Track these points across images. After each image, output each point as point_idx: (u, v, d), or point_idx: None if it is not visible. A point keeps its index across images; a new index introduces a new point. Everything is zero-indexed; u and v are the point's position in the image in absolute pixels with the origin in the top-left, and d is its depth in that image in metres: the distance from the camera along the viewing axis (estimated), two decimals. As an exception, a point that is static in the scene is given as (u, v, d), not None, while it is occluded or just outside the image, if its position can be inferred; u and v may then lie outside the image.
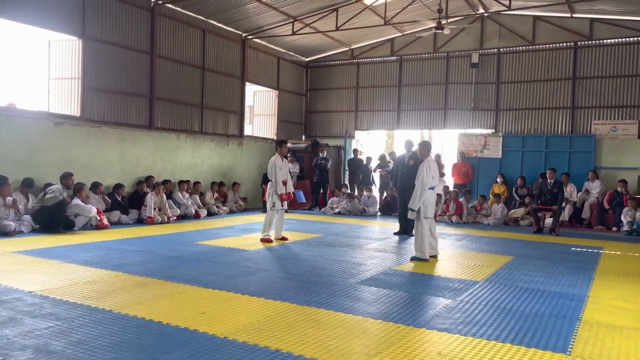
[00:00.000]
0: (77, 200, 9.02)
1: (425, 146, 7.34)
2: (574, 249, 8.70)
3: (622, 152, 12.85)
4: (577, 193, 12.44)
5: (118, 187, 10.40)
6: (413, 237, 7.41)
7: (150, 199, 10.34)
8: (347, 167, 15.81)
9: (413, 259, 6.97)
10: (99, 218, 9.24)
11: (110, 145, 10.76)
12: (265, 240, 8.26)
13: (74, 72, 10.31)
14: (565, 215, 11.97)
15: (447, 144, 15.83)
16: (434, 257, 7.16)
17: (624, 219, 11.20)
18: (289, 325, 3.97)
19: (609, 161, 12.97)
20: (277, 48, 15.93)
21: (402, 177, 9.56)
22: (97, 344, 3.43)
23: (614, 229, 11.60)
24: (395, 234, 9.67)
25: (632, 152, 12.72)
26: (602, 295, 5.38)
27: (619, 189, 11.87)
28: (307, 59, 17.34)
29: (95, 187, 9.93)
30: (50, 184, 8.94)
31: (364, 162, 15.06)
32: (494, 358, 3.44)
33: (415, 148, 9.16)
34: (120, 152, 10.98)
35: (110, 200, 10.05)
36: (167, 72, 12.23)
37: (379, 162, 14.61)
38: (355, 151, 15.52)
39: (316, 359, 3.31)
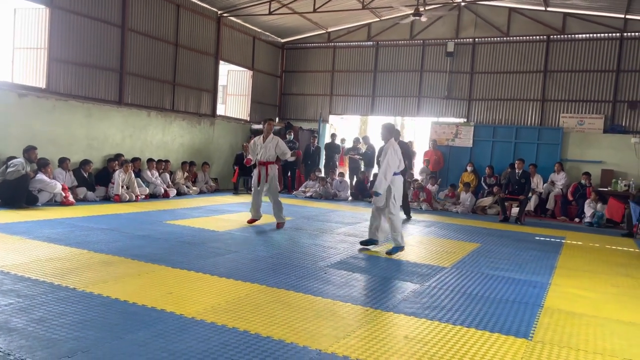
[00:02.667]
0: (41, 175, 8.75)
1: (388, 128, 6.76)
2: (538, 238, 8.93)
3: (587, 146, 13.20)
4: (543, 184, 12.76)
5: (84, 163, 10.13)
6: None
7: (118, 176, 10.11)
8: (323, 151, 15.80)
9: (392, 251, 6.49)
10: (64, 194, 8.99)
11: (77, 120, 10.44)
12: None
13: (40, 42, 9.92)
14: (531, 205, 12.26)
15: (419, 131, 15.94)
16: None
17: (587, 210, 11.57)
18: (258, 307, 3.96)
19: (575, 154, 13.32)
20: (253, 27, 15.67)
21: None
22: (59, 322, 3.35)
23: (577, 220, 11.96)
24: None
25: (597, 146, 13.09)
26: (563, 283, 5.55)
27: (582, 182, 12.22)
28: (283, 40, 17.12)
29: (62, 162, 9.65)
30: (12, 158, 8.63)
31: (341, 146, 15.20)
32: (459, 342, 3.51)
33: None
34: (87, 127, 10.67)
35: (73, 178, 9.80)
36: (138, 46, 11.89)
37: (350, 146, 14.69)
38: (333, 136, 15.49)
39: (284, 340, 3.31)
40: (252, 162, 8.20)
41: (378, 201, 6.57)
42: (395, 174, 6.49)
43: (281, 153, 8.15)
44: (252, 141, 8.31)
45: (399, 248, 6.57)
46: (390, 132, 6.74)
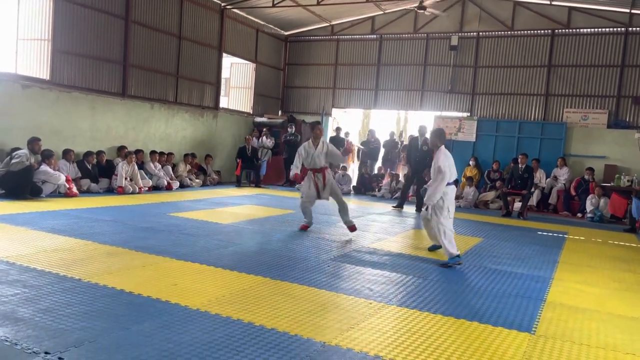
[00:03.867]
0: (45, 167, 8.77)
1: (438, 135, 6.16)
2: (540, 233, 8.94)
3: (591, 141, 13.17)
4: (546, 179, 12.74)
5: (88, 155, 10.14)
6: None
7: (122, 168, 10.13)
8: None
9: (447, 263, 5.76)
10: (67, 186, 9.02)
11: (80, 112, 10.45)
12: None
13: (44, 33, 9.91)
14: (534, 200, 12.26)
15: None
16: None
17: (589, 206, 11.56)
18: (262, 299, 3.98)
19: (578, 149, 13.29)
20: (256, 20, 15.62)
21: (416, 161, 10.62)
22: (66, 312, 3.37)
23: (579, 215, 11.96)
24: (393, 207, 10.81)
25: (601, 142, 13.06)
26: (566, 278, 5.56)
27: (585, 177, 12.21)
28: (286, 33, 17.07)
29: (66, 153, 9.67)
30: (17, 149, 8.65)
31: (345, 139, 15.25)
32: (462, 335, 3.53)
33: (428, 134, 9.91)
34: (91, 119, 10.68)
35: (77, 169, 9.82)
36: (142, 38, 11.88)
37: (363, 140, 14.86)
38: (338, 129, 15.48)
39: (288, 332, 3.33)
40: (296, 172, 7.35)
41: (427, 214, 6.10)
42: (448, 184, 5.86)
43: (334, 158, 7.53)
44: (302, 148, 7.41)
45: (453, 259, 5.75)
46: (440, 139, 6.11)
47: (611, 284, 5.44)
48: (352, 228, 7.27)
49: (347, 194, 13.53)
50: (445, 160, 5.82)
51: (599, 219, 11.23)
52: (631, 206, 10.18)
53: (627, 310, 4.48)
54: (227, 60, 15.62)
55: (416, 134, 11.04)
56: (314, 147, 7.26)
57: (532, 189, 11.61)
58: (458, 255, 5.76)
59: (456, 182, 6.42)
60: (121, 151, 10.82)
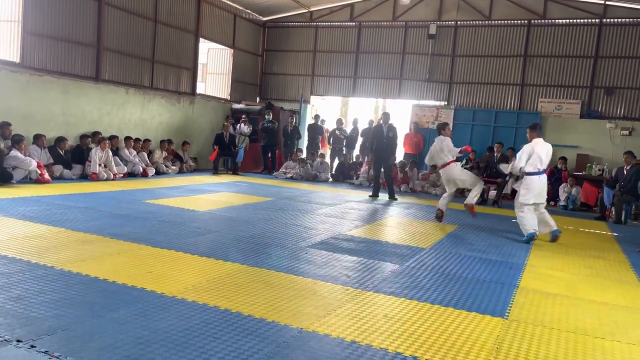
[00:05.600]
0: (15, 152, 8.54)
1: (536, 128, 7.09)
2: (514, 220, 9.06)
3: (564, 131, 13.43)
4: (521, 168, 12.94)
5: (60, 140, 9.92)
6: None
7: (95, 154, 9.93)
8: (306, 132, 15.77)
9: (527, 239, 6.86)
10: (39, 172, 8.81)
11: (52, 96, 10.18)
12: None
13: (14, 14, 9.59)
14: (508, 188, 12.43)
15: (400, 114, 16.00)
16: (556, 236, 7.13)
17: (561, 194, 11.81)
18: (239, 286, 3.97)
19: (552, 138, 13.43)
20: (233, 5, 15.39)
21: (383, 148, 10.61)
22: (38, 300, 3.31)
23: (552, 203, 12.20)
24: (370, 197, 10.76)
25: (574, 131, 13.32)
26: (538, 264, 5.69)
27: (559, 166, 12.45)
28: (264, 19, 16.88)
29: (37, 138, 9.43)
30: (-15, 134, 8.41)
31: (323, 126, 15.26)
32: (437, 321, 3.58)
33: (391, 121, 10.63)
34: (63, 103, 10.42)
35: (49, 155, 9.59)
36: (116, 21, 11.59)
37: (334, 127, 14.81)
38: (317, 117, 15.43)
39: (265, 318, 3.34)
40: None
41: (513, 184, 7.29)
42: (533, 173, 6.87)
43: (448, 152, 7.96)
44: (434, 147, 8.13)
45: (531, 236, 6.87)
46: (536, 131, 7.04)
47: (581, 270, 5.59)
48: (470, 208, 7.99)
49: (325, 181, 13.55)
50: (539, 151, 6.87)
51: (572, 206, 11.49)
52: (602, 195, 10.44)
53: (597, 295, 4.61)
54: (204, 46, 15.38)
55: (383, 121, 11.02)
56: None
57: (507, 178, 11.78)
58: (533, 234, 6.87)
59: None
60: (95, 137, 10.60)
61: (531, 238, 6.83)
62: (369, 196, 10.83)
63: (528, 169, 6.86)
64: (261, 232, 6.15)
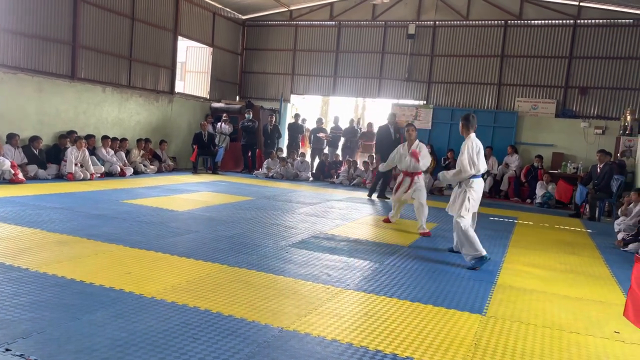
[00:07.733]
0: (-12, 152, 8.34)
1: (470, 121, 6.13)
2: (492, 218, 9.24)
3: (540, 130, 13.66)
4: (498, 166, 13.15)
5: (34, 139, 9.71)
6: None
7: (71, 153, 9.75)
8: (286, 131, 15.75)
9: (473, 267, 5.28)
10: (13, 172, 8.61)
11: (26, 94, 9.96)
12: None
13: (-15, 10, 9.36)
14: (486, 186, 12.62)
15: (379, 113, 16.12)
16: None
17: (538, 192, 12.03)
18: (219, 286, 3.95)
19: (528, 137, 13.76)
20: (213, 3, 15.26)
21: (389, 148, 9.94)
22: (13, 303, 3.24)
23: (528, 200, 12.42)
24: (377, 198, 10.80)
25: (549, 130, 13.57)
26: (515, 261, 5.79)
27: (535, 164, 12.67)
28: (244, 17, 16.78)
29: (10, 138, 9.22)
30: (-44, 133, 8.19)
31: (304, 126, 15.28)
32: (417, 318, 3.62)
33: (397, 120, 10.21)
34: (38, 102, 10.20)
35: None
36: (92, 18, 11.39)
37: (315, 127, 14.81)
38: (297, 116, 15.41)
39: (246, 318, 3.33)
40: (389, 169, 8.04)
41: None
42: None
43: (424, 163, 7.29)
44: (396, 150, 7.56)
45: (480, 259, 5.31)
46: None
47: (557, 266, 5.70)
48: (425, 234, 6.91)
49: (306, 180, 13.55)
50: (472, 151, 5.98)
51: (547, 204, 11.69)
52: (576, 192, 10.66)
53: (571, 291, 4.70)
54: (183, 44, 15.22)
55: (383, 123, 11.05)
56: (408, 150, 7.32)
57: (485, 176, 11.94)
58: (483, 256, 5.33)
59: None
60: (70, 136, 10.41)
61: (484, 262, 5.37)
62: (377, 197, 10.76)
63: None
64: (241, 232, 6.12)
